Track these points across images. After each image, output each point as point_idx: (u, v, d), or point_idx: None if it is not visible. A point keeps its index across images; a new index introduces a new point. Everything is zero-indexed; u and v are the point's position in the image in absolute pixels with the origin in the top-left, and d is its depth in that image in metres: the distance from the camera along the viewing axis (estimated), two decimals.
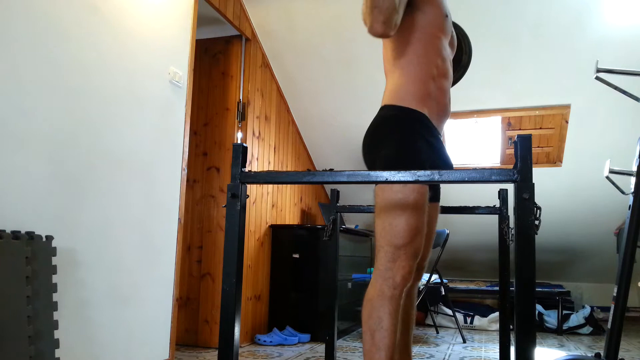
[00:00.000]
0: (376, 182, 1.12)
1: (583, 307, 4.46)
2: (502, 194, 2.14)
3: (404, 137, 1.52)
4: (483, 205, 2.21)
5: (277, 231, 3.79)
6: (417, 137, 1.52)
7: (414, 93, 1.55)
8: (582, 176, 4.02)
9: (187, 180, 3.42)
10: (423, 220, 1.48)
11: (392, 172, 1.06)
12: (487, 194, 4.30)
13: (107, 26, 2.18)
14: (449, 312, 4.34)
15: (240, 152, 1.17)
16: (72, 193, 1.98)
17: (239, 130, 3.45)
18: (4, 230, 1.63)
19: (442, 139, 1.66)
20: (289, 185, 4.14)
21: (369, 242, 4.68)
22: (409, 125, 1.53)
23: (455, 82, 1.90)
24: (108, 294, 2.16)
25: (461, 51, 1.93)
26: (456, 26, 1.91)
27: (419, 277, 1.72)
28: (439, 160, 1.57)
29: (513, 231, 1.04)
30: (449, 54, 1.65)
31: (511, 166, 1.05)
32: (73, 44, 2.00)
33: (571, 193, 4.17)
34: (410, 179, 1.05)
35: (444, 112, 1.62)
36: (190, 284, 3.36)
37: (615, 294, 1.94)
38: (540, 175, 4.08)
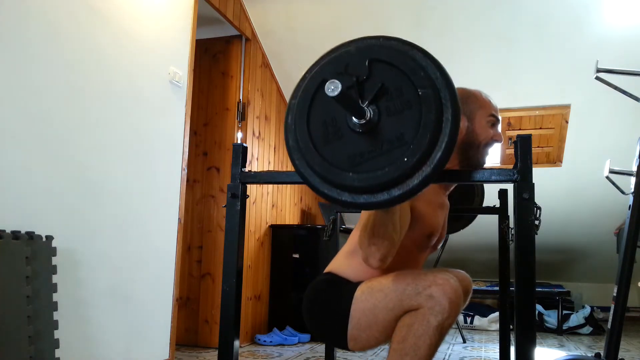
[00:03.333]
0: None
1: (583, 307, 4.46)
2: (502, 194, 2.14)
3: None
4: (483, 205, 2.21)
5: (277, 231, 3.79)
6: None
7: (356, 278, 1.43)
8: (582, 176, 4.02)
9: (187, 180, 3.42)
10: (396, 271, 1.37)
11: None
12: (487, 194, 4.30)
13: (107, 26, 2.18)
14: None
15: (240, 152, 1.17)
16: (72, 193, 1.98)
17: (239, 130, 3.44)
18: (4, 230, 1.63)
19: None
20: (289, 185, 4.14)
21: None
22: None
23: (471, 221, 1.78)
24: (108, 293, 2.16)
25: (474, 194, 1.86)
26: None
27: (470, 285, 1.64)
28: None
29: (513, 231, 1.04)
30: (422, 258, 1.55)
31: (511, 166, 1.04)
32: (73, 44, 2.00)
33: (571, 193, 4.17)
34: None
35: None
36: (190, 284, 3.36)
37: (615, 294, 1.94)
38: (540, 175, 4.07)
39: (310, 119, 1.01)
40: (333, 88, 0.85)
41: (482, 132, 1.50)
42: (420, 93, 0.92)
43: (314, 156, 0.98)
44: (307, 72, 1.08)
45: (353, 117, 0.95)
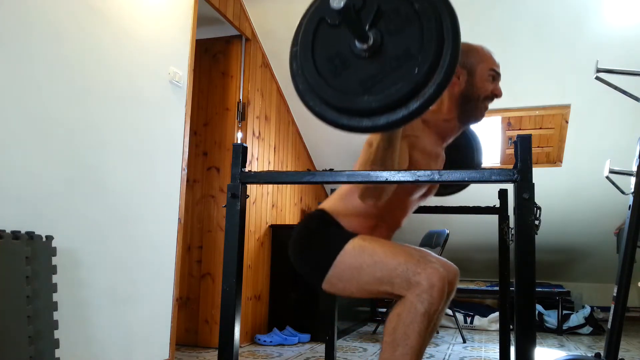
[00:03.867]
0: (376, 182, 1.12)
1: (583, 307, 4.46)
2: (502, 194, 2.14)
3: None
4: (483, 205, 2.21)
5: (277, 231, 3.79)
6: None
7: (353, 224, 1.47)
8: (582, 176, 4.02)
9: (187, 180, 3.42)
10: (389, 241, 1.41)
11: (392, 172, 1.06)
12: (487, 194, 4.30)
13: (107, 26, 2.18)
14: (449, 312, 4.34)
15: (240, 152, 1.17)
16: (72, 193, 1.98)
17: (239, 130, 3.44)
18: (4, 230, 1.63)
19: None
20: (289, 185, 4.14)
21: None
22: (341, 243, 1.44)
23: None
24: (108, 293, 2.16)
25: (472, 149, 1.89)
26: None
27: (456, 279, 1.65)
28: None
29: (513, 231, 1.04)
30: (412, 205, 1.58)
31: (511, 166, 1.05)
32: (73, 45, 2.00)
33: (571, 193, 4.17)
34: (411, 179, 1.05)
35: None
36: (190, 284, 3.36)
37: (615, 294, 1.94)
38: (540, 175, 4.07)
39: (316, 58, 1.06)
40: (338, 1, 0.87)
41: (482, 86, 1.53)
42: (416, 7, 0.96)
43: (327, 90, 1.02)
44: (302, 18, 1.12)
45: (357, 43, 0.98)
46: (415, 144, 1.43)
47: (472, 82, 1.52)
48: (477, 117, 1.54)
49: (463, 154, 1.86)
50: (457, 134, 1.58)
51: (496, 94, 1.57)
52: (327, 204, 1.54)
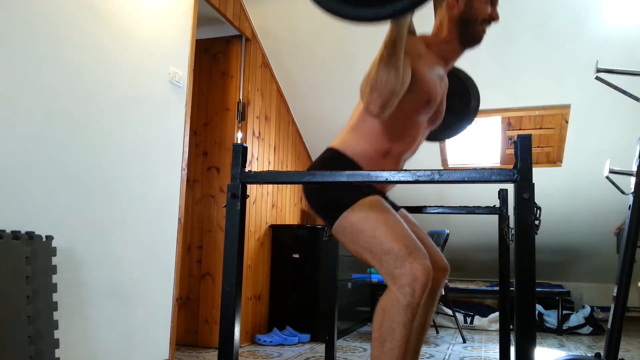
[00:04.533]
0: (376, 182, 1.12)
1: (583, 307, 4.46)
2: (502, 194, 2.14)
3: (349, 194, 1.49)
4: (483, 205, 2.21)
5: (277, 231, 3.79)
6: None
7: (365, 154, 1.53)
8: (582, 176, 4.02)
9: (187, 180, 3.42)
10: (395, 217, 1.43)
11: (392, 172, 1.06)
12: (487, 194, 4.30)
13: (107, 26, 2.18)
14: (449, 312, 4.34)
15: (240, 152, 1.17)
16: (72, 193, 1.98)
17: (239, 130, 3.45)
18: (4, 230, 1.63)
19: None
20: (289, 185, 4.14)
21: None
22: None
23: (467, 125, 1.89)
24: (108, 294, 2.16)
25: (469, 95, 1.90)
26: (462, 72, 1.90)
27: (444, 276, 1.67)
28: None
29: (513, 231, 1.04)
30: (420, 131, 1.60)
31: (511, 166, 1.05)
32: (73, 45, 2.00)
33: (571, 193, 4.17)
34: (411, 179, 1.05)
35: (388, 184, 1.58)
36: (190, 284, 3.36)
37: (615, 294, 1.94)
38: (540, 175, 4.07)
39: None
40: None
41: (480, 8, 1.57)
42: None
43: None
44: None
45: None
46: (418, 62, 1.49)
47: (470, 4, 1.56)
48: (476, 39, 1.60)
49: (460, 99, 1.88)
50: (458, 56, 1.63)
51: (493, 17, 1.63)
52: (339, 141, 1.59)
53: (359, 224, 1.42)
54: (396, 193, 4.70)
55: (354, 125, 1.58)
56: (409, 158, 1.64)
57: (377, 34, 3.72)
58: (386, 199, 1.62)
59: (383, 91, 1.33)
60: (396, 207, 1.71)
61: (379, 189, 1.57)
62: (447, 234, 3.97)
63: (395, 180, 1.06)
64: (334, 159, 1.55)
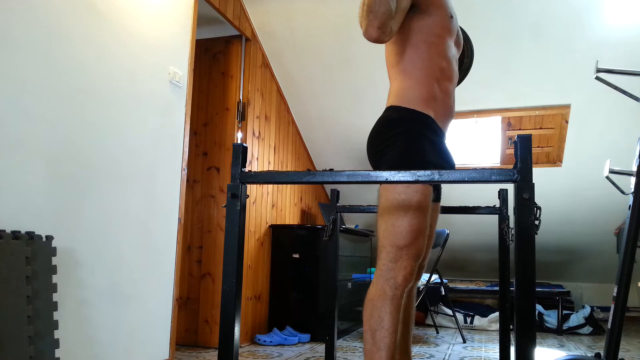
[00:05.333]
0: (376, 182, 1.12)
1: (583, 307, 4.46)
2: (502, 194, 2.15)
3: (409, 138, 1.52)
4: (483, 205, 2.21)
5: (277, 231, 3.79)
6: (422, 138, 1.52)
7: (418, 95, 1.54)
8: (582, 176, 4.02)
9: (187, 180, 3.42)
10: (426, 222, 1.49)
11: (392, 172, 1.06)
12: (487, 194, 4.30)
13: (107, 26, 2.18)
14: (449, 312, 4.34)
15: (240, 152, 1.17)
16: (72, 193, 1.98)
17: (239, 130, 3.45)
18: (4, 230, 1.63)
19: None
20: (289, 185, 4.14)
21: (369, 242, 4.68)
22: (414, 126, 1.53)
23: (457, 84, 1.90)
24: (108, 293, 2.16)
25: (463, 54, 1.92)
26: (461, 29, 1.91)
27: (419, 276, 1.73)
28: (445, 162, 1.57)
29: (513, 231, 1.04)
30: (454, 54, 1.64)
31: (511, 166, 1.05)
32: (73, 44, 2.00)
33: (571, 193, 4.17)
34: (411, 179, 1.05)
35: (449, 113, 1.62)
36: (190, 284, 3.36)
37: (615, 294, 1.94)
38: (540, 175, 4.07)
39: None
40: None
41: None
42: None
43: None
44: None
45: None
46: None
47: None
48: None
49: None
50: None
51: None
52: (393, 98, 1.60)
53: (391, 203, 1.47)
54: None
55: (397, 67, 1.59)
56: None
57: None
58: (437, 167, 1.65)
59: (378, 12, 1.36)
60: (438, 195, 1.76)
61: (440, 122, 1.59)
62: (447, 234, 3.97)
63: (395, 180, 1.06)
64: (398, 117, 1.55)
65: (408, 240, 1.44)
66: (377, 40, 1.42)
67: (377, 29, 1.38)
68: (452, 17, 1.58)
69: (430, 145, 1.52)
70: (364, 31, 1.41)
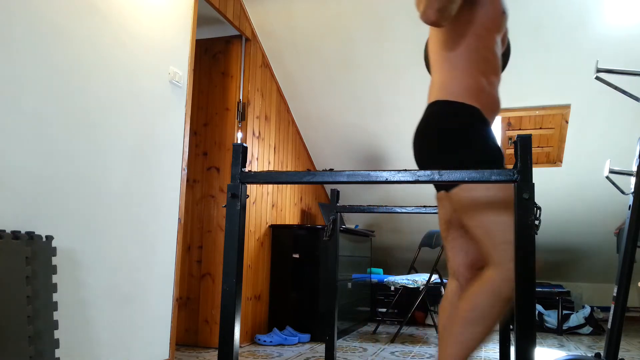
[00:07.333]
0: (376, 182, 1.12)
1: (583, 307, 4.46)
2: None
3: (482, 135, 1.44)
4: None
5: (277, 231, 3.79)
6: (490, 134, 1.45)
7: (467, 88, 1.48)
8: (582, 176, 4.02)
9: (187, 180, 3.42)
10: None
11: (392, 172, 1.06)
12: None
13: (107, 26, 2.18)
14: None
15: (240, 152, 1.17)
16: (72, 193, 1.98)
17: (239, 130, 3.45)
18: (4, 230, 1.63)
19: None
20: (289, 185, 4.14)
21: (369, 242, 4.68)
22: (466, 121, 1.46)
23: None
24: (108, 293, 2.16)
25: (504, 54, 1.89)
26: None
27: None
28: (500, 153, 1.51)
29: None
30: (500, 50, 1.60)
31: (511, 166, 1.05)
32: (73, 44, 2.00)
33: (571, 193, 4.17)
34: (411, 179, 1.05)
35: (496, 108, 1.56)
36: (190, 284, 3.36)
37: (615, 294, 1.94)
38: (540, 175, 4.08)
39: None
40: None
41: None
42: None
43: None
44: None
45: None
46: None
47: None
48: None
49: None
50: None
51: None
52: (438, 91, 1.51)
53: (486, 200, 1.36)
54: (396, 193, 4.71)
55: (444, 57, 1.51)
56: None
57: (376, 34, 3.73)
58: None
59: None
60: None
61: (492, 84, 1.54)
62: None
63: (395, 180, 1.06)
64: (454, 109, 1.46)
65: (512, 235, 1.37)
66: (435, 23, 1.34)
67: (437, 12, 1.31)
68: (504, 12, 1.52)
69: (489, 135, 1.46)
70: (422, 13, 1.33)
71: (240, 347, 3.29)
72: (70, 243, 1.96)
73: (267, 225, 3.73)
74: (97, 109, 2.12)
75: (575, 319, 4.27)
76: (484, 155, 1.41)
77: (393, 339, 3.72)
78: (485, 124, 1.48)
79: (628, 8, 3.00)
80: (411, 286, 4.05)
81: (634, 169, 1.99)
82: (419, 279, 4.07)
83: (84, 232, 2.04)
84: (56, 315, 1.73)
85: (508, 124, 4.25)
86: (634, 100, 2.12)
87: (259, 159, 3.62)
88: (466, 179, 1.03)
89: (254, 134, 3.54)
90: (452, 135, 1.44)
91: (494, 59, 1.54)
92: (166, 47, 2.55)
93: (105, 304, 2.14)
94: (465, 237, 1.54)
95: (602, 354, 1.98)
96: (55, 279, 1.74)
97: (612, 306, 1.94)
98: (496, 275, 1.31)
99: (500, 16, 1.51)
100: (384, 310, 4.68)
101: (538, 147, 4.21)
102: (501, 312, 1.30)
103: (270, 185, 3.79)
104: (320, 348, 3.27)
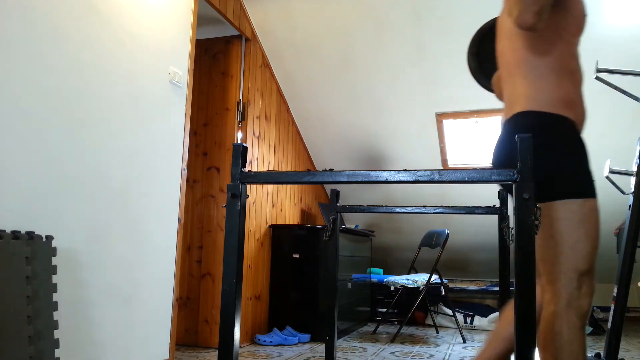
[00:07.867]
0: (376, 182, 1.12)
1: None
2: (502, 194, 2.14)
3: (564, 150, 1.40)
4: (483, 205, 2.21)
5: (277, 231, 3.79)
6: (576, 146, 1.41)
7: (559, 98, 1.38)
8: None
9: (187, 180, 3.42)
10: (597, 233, 1.34)
11: (392, 172, 1.06)
12: (487, 194, 4.30)
13: (107, 26, 2.18)
14: (449, 312, 4.34)
15: (240, 152, 1.17)
16: (72, 193, 1.98)
17: (239, 130, 3.45)
18: (4, 230, 1.63)
19: None
20: (289, 185, 4.14)
21: (369, 242, 4.68)
22: (564, 134, 1.39)
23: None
24: (108, 293, 2.16)
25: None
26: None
27: None
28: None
29: (513, 231, 1.04)
30: (577, 51, 1.49)
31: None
32: (73, 44, 2.00)
33: None
34: (411, 179, 1.05)
35: (585, 118, 1.48)
36: (190, 284, 3.36)
37: (615, 294, 1.94)
38: None
39: None
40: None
41: None
42: None
43: None
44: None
45: None
46: None
47: None
48: None
49: None
50: None
51: None
52: (523, 102, 1.42)
53: (568, 223, 1.30)
54: (396, 193, 4.71)
55: (529, 65, 1.41)
56: None
57: (375, 34, 3.72)
58: None
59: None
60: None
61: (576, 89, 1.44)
62: (447, 234, 3.97)
63: (395, 180, 1.06)
64: (547, 120, 1.37)
65: (590, 264, 1.30)
66: (532, 27, 1.26)
67: (536, 14, 1.23)
68: (586, 15, 1.43)
69: (585, 154, 1.41)
70: (517, 16, 1.25)
71: (240, 347, 3.29)
72: (70, 243, 1.96)
73: (267, 225, 3.73)
74: (97, 109, 2.12)
75: None
76: (579, 177, 1.39)
77: (393, 339, 3.72)
78: (581, 140, 1.42)
79: (628, 8, 3.00)
80: (411, 286, 4.05)
81: (634, 169, 1.99)
82: (419, 279, 4.07)
83: (84, 232, 2.04)
84: (56, 315, 1.73)
85: None
86: (634, 100, 2.12)
87: (259, 159, 3.62)
88: (466, 178, 1.03)
89: (254, 134, 3.54)
90: (546, 151, 1.37)
91: (578, 67, 1.44)
92: (166, 47, 2.55)
93: (105, 303, 2.14)
94: None
95: (602, 354, 1.98)
96: (55, 279, 1.74)
97: (612, 306, 1.94)
98: (562, 305, 1.30)
99: (583, 19, 1.41)
100: (384, 310, 4.68)
101: None
102: (583, 341, 1.28)
103: (270, 185, 3.79)
104: (320, 348, 3.27)
